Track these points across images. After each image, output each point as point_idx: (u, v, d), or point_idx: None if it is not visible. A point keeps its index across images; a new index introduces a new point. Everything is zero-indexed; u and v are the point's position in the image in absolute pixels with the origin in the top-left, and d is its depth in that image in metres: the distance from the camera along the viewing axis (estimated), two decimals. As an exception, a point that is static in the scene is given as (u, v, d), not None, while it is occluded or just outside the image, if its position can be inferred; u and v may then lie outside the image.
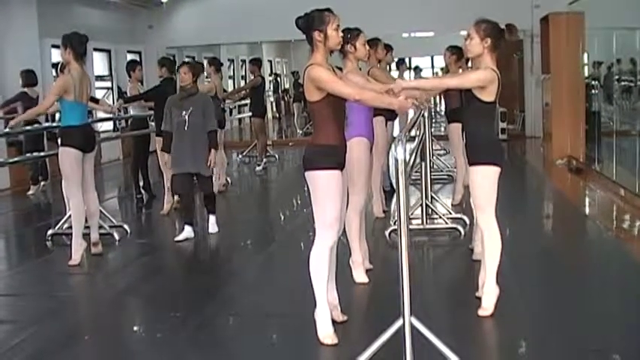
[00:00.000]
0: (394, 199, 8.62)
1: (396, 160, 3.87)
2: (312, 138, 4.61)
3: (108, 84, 16.11)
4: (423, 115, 7.54)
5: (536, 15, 15.31)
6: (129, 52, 16.26)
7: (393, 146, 3.91)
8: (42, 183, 11.58)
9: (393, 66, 13.27)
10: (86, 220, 7.10)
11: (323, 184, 4.46)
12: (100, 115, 10.55)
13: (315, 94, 4.47)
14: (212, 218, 8.00)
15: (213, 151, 7.69)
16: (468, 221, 7.46)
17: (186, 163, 7.63)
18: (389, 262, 6.22)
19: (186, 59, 12.78)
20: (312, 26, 4.49)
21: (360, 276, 5.86)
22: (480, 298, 5.04)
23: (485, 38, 4.91)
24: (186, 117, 7.59)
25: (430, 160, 8.27)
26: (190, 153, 7.61)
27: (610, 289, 5.69)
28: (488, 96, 4.93)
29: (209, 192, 7.96)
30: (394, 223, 7.31)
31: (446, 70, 9.68)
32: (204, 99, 7.89)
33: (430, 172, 8.09)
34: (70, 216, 7.28)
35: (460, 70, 8.09)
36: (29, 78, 11.29)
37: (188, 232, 7.70)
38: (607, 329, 4.78)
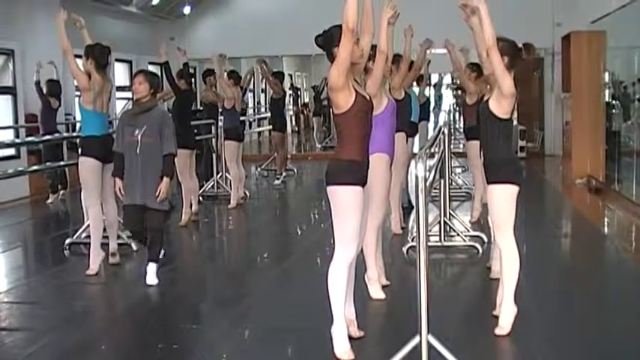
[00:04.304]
0: (412, 216, 8.62)
1: (417, 177, 3.86)
2: (336, 152, 4.58)
3: (128, 94, 16.21)
4: (442, 132, 7.54)
5: (557, 33, 15.28)
6: (150, 63, 16.37)
7: (413, 163, 3.91)
8: (61, 192, 11.65)
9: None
10: (104, 230, 7.14)
11: (344, 199, 4.43)
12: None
13: (341, 104, 4.42)
14: (151, 267, 6.42)
15: (165, 179, 6.24)
16: (485, 239, 7.43)
17: (136, 193, 6.27)
18: (406, 279, 6.21)
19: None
20: (331, 43, 4.49)
21: (376, 292, 5.84)
22: (497, 317, 5.01)
23: (502, 57, 4.90)
24: (139, 137, 6.27)
25: (449, 177, 8.25)
26: (140, 180, 6.26)
27: (629, 310, 5.63)
28: (504, 113, 4.92)
29: (155, 229, 6.42)
30: (412, 240, 7.29)
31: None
32: (162, 115, 6.50)
33: (449, 189, 8.07)
34: (88, 225, 7.32)
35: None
36: (53, 88, 11.38)
37: (152, 273, 6.44)
38: (625, 351, 4.73)
